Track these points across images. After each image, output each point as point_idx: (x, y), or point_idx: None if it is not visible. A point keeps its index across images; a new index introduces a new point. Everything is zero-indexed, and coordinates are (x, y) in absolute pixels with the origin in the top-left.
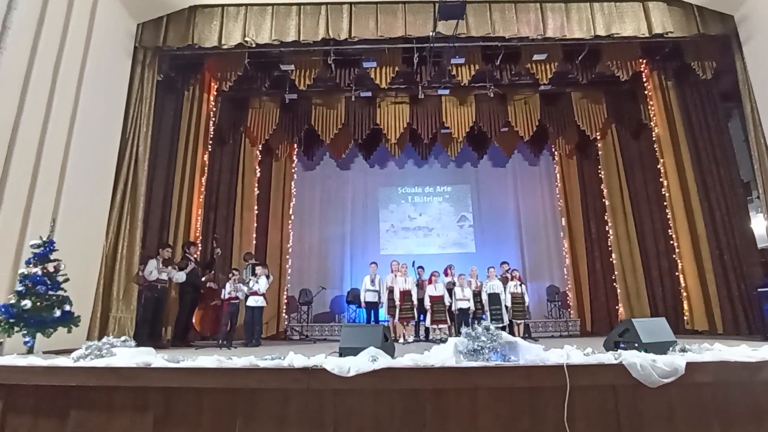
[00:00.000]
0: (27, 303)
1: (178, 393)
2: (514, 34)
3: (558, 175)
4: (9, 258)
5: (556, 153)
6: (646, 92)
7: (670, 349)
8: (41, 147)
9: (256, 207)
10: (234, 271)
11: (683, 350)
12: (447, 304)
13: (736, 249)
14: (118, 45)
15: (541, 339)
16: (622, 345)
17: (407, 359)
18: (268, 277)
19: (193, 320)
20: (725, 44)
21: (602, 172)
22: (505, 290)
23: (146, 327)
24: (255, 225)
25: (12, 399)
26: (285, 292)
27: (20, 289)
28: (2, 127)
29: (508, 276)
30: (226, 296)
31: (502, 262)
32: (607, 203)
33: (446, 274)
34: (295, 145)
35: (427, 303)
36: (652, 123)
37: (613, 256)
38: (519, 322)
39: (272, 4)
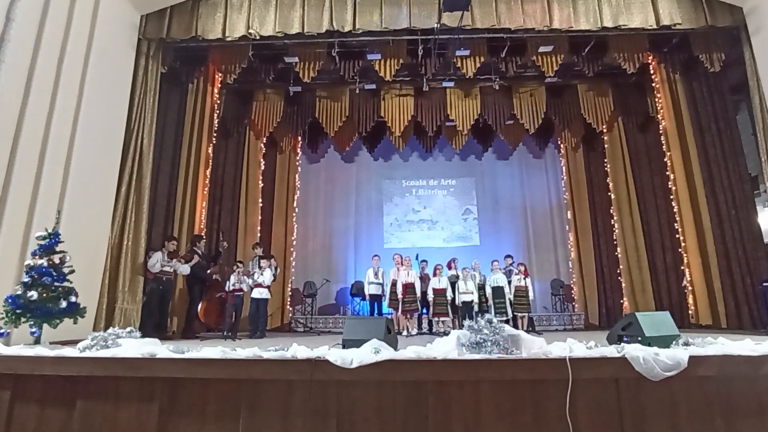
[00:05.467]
0: (33, 294)
1: (183, 383)
2: (520, 26)
3: (564, 168)
4: (15, 249)
5: (561, 146)
6: (653, 85)
7: (674, 342)
8: (46, 139)
9: (260, 200)
10: (239, 264)
11: (686, 344)
12: (450, 297)
13: (742, 243)
14: (122, 36)
15: (545, 333)
16: (625, 338)
17: (410, 351)
18: (276, 268)
19: (198, 312)
20: (734, 36)
21: (608, 166)
22: (510, 283)
23: (152, 318)
24: (259, 218)
25: (20, 388)
26: (290, 285)
27: (26, 280)
28: (7, 120)
29: (512, 269)
30: (231, 288)
31: (506, 255)
32: (612, 197)
33: (449, 268)
34: (300, 138)
35: (430, 296)
36: (659, 116)
37: (619, 249)
38: (522, 315)
39: None
